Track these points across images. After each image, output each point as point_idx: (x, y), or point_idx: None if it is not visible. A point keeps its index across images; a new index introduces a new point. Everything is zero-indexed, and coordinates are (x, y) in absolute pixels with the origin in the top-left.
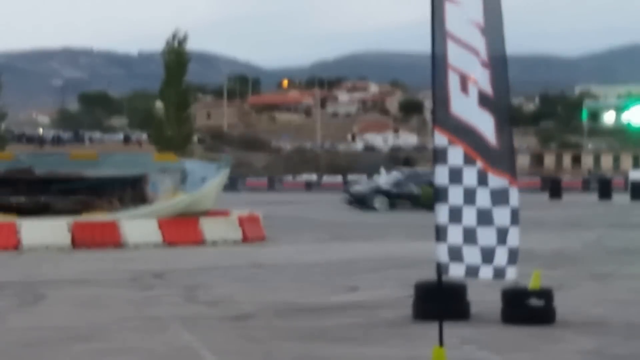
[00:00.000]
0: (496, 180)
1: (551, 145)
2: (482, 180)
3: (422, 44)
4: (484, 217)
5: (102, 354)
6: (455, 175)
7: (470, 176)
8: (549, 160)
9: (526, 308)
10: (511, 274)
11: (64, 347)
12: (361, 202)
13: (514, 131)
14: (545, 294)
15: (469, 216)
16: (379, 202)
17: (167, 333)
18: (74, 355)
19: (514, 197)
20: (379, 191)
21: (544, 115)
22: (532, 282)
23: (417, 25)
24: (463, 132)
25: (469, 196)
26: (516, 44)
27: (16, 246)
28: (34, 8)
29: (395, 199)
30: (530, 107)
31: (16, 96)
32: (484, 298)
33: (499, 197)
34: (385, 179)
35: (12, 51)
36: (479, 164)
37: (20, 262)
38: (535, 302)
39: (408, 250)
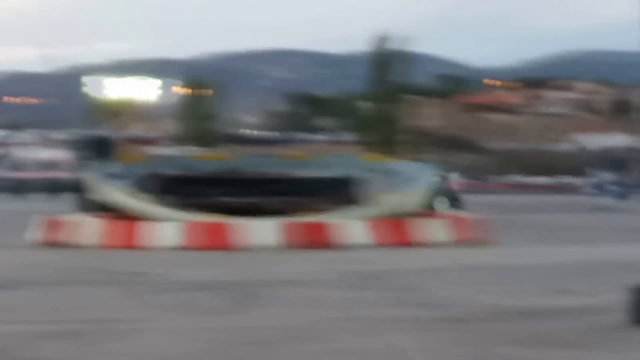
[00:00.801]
0: None
1: None
2: None
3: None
4: None
5: (319, 354)
6: None
7: None
8: None
9: None
10: None
11: (281, 346)
12: None
13: None
14: None
15: None
16: None
17: (379, 335)
18: (292, 354)
19: None
20: None
21: None
22: None
23: (633, 23)
24: None
25: None
26: None
27: (227, 246)
28: (246, 9)
29: None
30: None
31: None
32: None
33: None
34: None
35: (226, 53)
36: None
37: (232, 262)
38: None
39: (621, 254)
